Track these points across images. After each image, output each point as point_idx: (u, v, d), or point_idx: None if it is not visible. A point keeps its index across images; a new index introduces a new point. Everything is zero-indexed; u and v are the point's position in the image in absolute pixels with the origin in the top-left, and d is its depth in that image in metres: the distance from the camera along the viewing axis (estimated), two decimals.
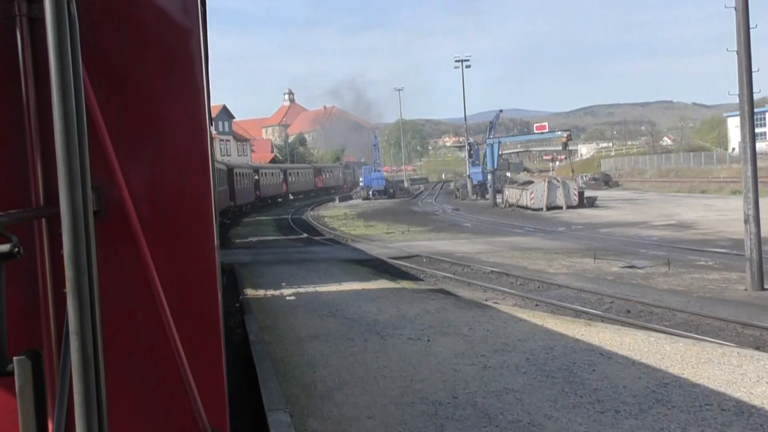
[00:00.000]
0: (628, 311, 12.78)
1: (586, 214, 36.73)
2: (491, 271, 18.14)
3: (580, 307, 13.23)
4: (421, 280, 17.84)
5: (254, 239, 34.11)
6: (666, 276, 15.94)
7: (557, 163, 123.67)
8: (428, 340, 9.20)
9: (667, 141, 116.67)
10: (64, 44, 1.41)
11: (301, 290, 15.66)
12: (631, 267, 17.24)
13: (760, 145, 74.34)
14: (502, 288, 15.90)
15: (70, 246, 1.43)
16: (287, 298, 14.63)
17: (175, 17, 2.48)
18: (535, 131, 64.56)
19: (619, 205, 41.70)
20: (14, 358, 1.53)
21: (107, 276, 2.08)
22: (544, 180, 42.10)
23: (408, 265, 20.19)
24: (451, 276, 17.93)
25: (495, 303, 13.81)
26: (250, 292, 15.51)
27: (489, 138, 48.54)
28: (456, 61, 60.41)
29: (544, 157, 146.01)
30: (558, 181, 41.67)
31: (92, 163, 1.59)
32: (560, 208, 39.61)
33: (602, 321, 11.96)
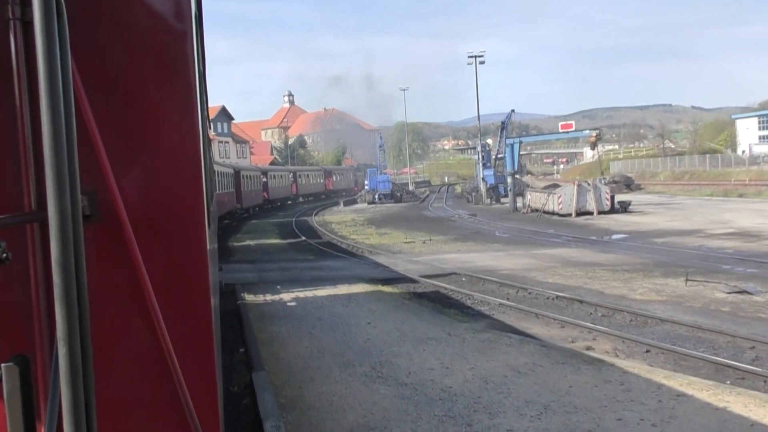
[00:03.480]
0: None
1: (624, 220, 33.05)
2: (557, 297, 14.48)
3: (716, 358, 9.57)
4: (471, 308, 14.19)
5: (252, 243, 31.19)
6: None
7: (561, 166, 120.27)
8: None
9: (668, 144, 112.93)
10: (52, 46, 1.36)
11: (323, 323, 12.00)
12: (741, 292, 13.58)
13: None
14: (583, 323, 12.22)
15: (57, 251, 1.38)
16: (306, 339, 10.95)
17: (168, 20, 2.30)
18: (560, 130, 60.69)
19: (655, 210, 37.97)
20: (2, 364, 1.46)
21: (100, 280, 2.08)
22: (574, 183, 38.41)
23: (446, 286, 16.52)
24: (507, 302, 14.27)
25: (588, 350, 10.21)
26: (256, 326, 11.87)
27: (508, 138, 44.90)
28: (469, 57, 56.63)
29: (545, 160, 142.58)
30: (588, 184, 38.01)
31: (85, 167, 1.59)
32: (591, 213, 35.99)
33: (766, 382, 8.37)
